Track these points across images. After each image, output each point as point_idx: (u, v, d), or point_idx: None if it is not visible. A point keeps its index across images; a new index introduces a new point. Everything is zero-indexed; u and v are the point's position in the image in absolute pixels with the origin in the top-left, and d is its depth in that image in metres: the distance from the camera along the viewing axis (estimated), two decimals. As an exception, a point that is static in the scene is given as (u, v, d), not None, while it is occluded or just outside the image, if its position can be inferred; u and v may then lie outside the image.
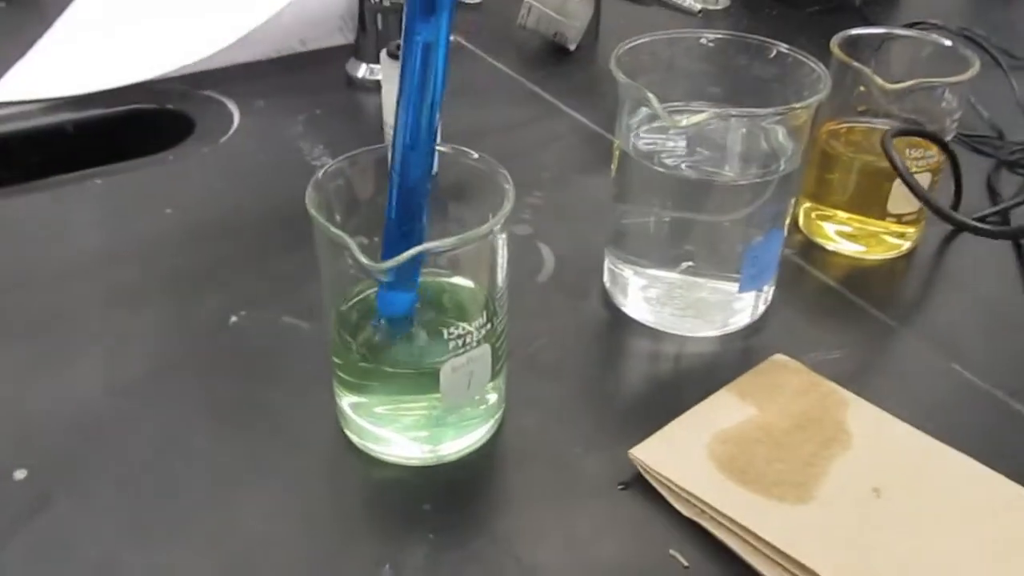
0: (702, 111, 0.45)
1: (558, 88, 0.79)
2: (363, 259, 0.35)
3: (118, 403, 0.47)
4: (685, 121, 0.44)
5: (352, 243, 0.36)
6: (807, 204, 0.62)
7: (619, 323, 0.53)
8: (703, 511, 0.41)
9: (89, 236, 0.59)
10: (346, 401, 0.44)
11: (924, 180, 0.57)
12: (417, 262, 0.39)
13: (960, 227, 0.58)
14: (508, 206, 0.39)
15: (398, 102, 0.38)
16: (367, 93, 0.77)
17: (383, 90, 0.64)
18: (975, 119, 0.74)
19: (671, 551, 0.40)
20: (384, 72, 0.63)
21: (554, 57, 0.85)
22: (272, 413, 0.46)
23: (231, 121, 0.73)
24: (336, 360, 0.43)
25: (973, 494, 0.42)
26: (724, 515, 0.40)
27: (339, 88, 0.79)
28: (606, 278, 0.55)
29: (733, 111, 0.46)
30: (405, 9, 0.36)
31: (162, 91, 0.76)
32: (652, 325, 0.53)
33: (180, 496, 0.42)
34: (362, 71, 0.79)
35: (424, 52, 0.36)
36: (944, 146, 0.57)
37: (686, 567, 0.40)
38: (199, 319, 0.52)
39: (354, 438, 0.44)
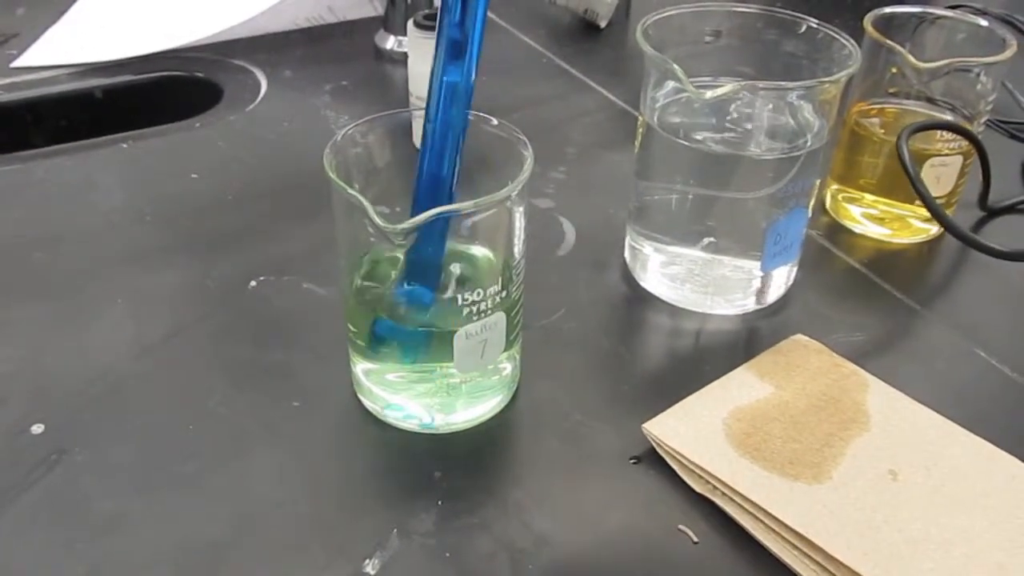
0: (728, 84, 0.44)
1: (587, 65, 0.78)
2: (378, 220, 0.35)
3: (136, 363, 0.47)
4: (710, 94, 0.43)
5: (368, 204, 0.36)
6: (834, 186, 0.61)
7: (638, 299, 0.53)
8: (715, 487, 0.41)
9: (114, 199, 0.60)
10: (360, 367, 0.44)
11: (955, 164, 0.56)
12: (439, 250, 0.40)
13: (967, 243, 0.55)
14: (527, 172, 0.38)
15: (423, 133, 0.40)
16: (395, 65, 0.77)
17: (409, 60, 0.63)
18: (1012, 106, 0.72)
19: (680, 526, 0.40)
20: (410, 42, 0.62)
21: (584, 34, 0.85)
22: (288, 377, 0.47)
23: (258, 90, 0.73)
24: (350, 327, 0.43)
25: (992, 479, 0.41)
26: (736, 492, 0.40)
27: (367, 60, 0.79)
28: (627, 254, 0.55)
29: (759, 84, 0.45)
30: (435, 51, 0.38)
31: (191, 59, 0.77)
32: (672, 302, 0.52)
33: (194, 456, 0.42)
34: (390, 43, 0.79)
35: (450, 91, 0.39)
36: (970, 137, 0.55)
37: (695, 543, 0.39)
38: (219, 283, 0.53)
39: (368, 403, 0.44)
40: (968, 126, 0.56)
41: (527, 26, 0.85)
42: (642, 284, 0.53)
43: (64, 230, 0.57)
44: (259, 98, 0.72)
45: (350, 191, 0.37)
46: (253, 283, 0.52)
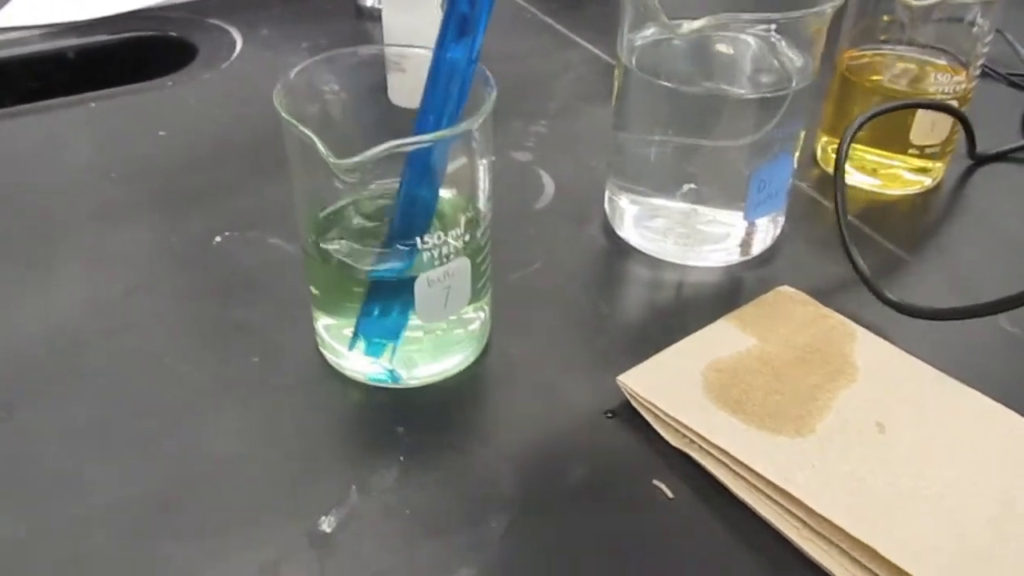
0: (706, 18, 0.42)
1: (572, 20, 0.76)
2: (324, 150, 0.33)
3: (96, 320, 0.45)
4: (686, 26, 0.41)
5: (316, 139, 0.34)
6: (825, 138, 0.59)
7: (619, 252, 0.51)
8: (691, 441, 0.39)
9: (79, 157, 0.58)
10: (321, 323, 0.42)
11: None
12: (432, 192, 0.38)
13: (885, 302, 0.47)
14: (489, 104, 0.36)
15: (418, 113, 0.37)
16: (375, 23, 0.75)
17: (384, 11, 0.61)
18: (1011, 56, 0.70)
19: (655, 481, 0.38)
20: (385, -7, 0.60)
21: (570, -10, 0.82)
22: (250, 333, 0.45)
23: (233, 48, 0.71)
24: (312, 284, 0.41)
25: (981, 429, 0.39)
26: (714, 445, 0.38)
27: (346, 18, 0.76)
28: (607, 206, 0.53)
29: (743, 16, 0.42)
30: (439, 27, 0.36)
31: (165, 18, 0.75)
32: (653, 254, 0.50)
33: (150, 414, 0.41)
34: (370, 0, 0.76)
35: (450, 68, 0.36)
36: (944, 108, 0.53)
37: (670, 499, 0.37)
38: (183, 239, 0.51)
39: (331, 358, 0.43)
40: (963, 71, 0.54)
41: (512, -18, 0.82)
42: (623, 236, 0.51)
43: (26, 188, 0.55)
44: (234, 56, 0.70)
45: (301, 128, 0.35)
46: (218, 239, 0.50)
